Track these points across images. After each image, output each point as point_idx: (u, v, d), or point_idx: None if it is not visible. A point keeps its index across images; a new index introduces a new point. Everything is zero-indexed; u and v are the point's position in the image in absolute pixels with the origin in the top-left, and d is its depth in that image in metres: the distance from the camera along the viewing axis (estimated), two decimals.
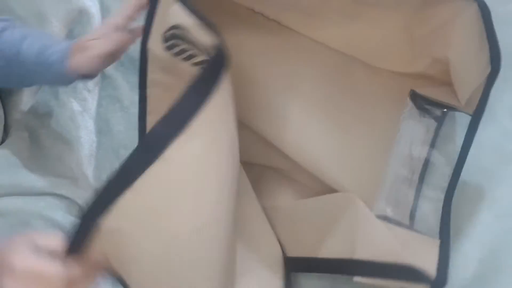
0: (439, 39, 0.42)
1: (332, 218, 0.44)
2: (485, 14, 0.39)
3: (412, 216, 0.46)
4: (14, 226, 0.48)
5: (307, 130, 0.49)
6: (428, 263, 0.39)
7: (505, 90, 0.53)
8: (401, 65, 0.49)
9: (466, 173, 0.50)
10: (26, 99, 0.58)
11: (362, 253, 0.40)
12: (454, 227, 0.48)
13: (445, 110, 0.47)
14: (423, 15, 0.43)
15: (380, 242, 0.42)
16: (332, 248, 0.43)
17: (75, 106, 0.57)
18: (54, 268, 0.31)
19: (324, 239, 0.44)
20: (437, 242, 0.43)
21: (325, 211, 0.46)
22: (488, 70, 0.40)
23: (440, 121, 0.46)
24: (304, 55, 0.51)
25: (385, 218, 0.45)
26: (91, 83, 0.58)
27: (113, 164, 0.54)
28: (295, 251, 0.46)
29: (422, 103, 0.47)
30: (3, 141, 0.56)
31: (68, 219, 0.50)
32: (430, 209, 0.45)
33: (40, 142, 0.55)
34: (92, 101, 0.58)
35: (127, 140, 0.57)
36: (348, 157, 0.48)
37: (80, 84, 0.58)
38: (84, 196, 0.52)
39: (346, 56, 0.51)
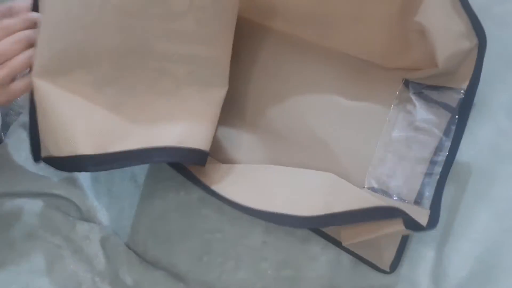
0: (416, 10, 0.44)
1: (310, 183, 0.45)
2: None
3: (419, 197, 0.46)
4: (11, 226, 0.48)
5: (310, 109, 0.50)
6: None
7: (502, 90, 0.53)
8: (396, 57, 0.50)
9: (463, 172, 0.50)
10: (24, 98, 0.58)
11: (339, 207, 0.40)
12: (451, 226, 0.49)
13: (439, 87, 0.47)
14: None
15: (357, 194, 0.42)
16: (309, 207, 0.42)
17: None
18: None
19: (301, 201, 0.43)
20: (426, 211, 0.43)
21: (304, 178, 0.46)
22: (473, 41, 0.43)
23: (453, 112, 0.47)
24: (318, 60, 0.52)
25: (372, 190, 0.46)
26: None
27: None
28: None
29: (417, 87, 0.48)
30: (1, 142, 0.56)
31: (65, 217, 0.50)
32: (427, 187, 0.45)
33: None
34: None
35: None
36: (345, 138, 0.49)
37: None
38: (81, 196, 0.52)
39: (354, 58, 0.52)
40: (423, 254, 0.48)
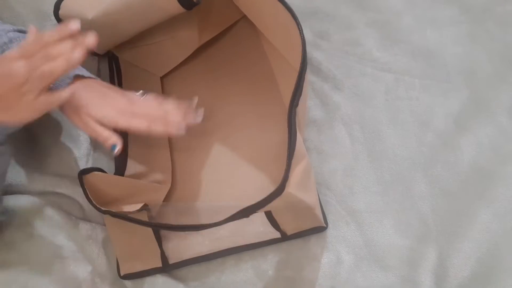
0: None
1: None
2: None
3: None
4: (15, 224, 0.48)
5: None
6: None
7: (503, 90, 0.53)
8: None
9: (464, 172, 0.50)
10: None
11: None
12: (453, 226, 0.49)
13: None
14: None
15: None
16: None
17: None
18: None
19: None
20: None
21: None
22: None
23: None
24: None
25: None
26: None
27: (109, 163, 0.54)
28: None
29: None
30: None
31: (68, 216, 0.50)
32: None
33: (40, 141, 0.54)
34: None
35: None
36: None
37: None
38: (83, 194, 0.52)
39: None
40: (424, 254, 0.48)
